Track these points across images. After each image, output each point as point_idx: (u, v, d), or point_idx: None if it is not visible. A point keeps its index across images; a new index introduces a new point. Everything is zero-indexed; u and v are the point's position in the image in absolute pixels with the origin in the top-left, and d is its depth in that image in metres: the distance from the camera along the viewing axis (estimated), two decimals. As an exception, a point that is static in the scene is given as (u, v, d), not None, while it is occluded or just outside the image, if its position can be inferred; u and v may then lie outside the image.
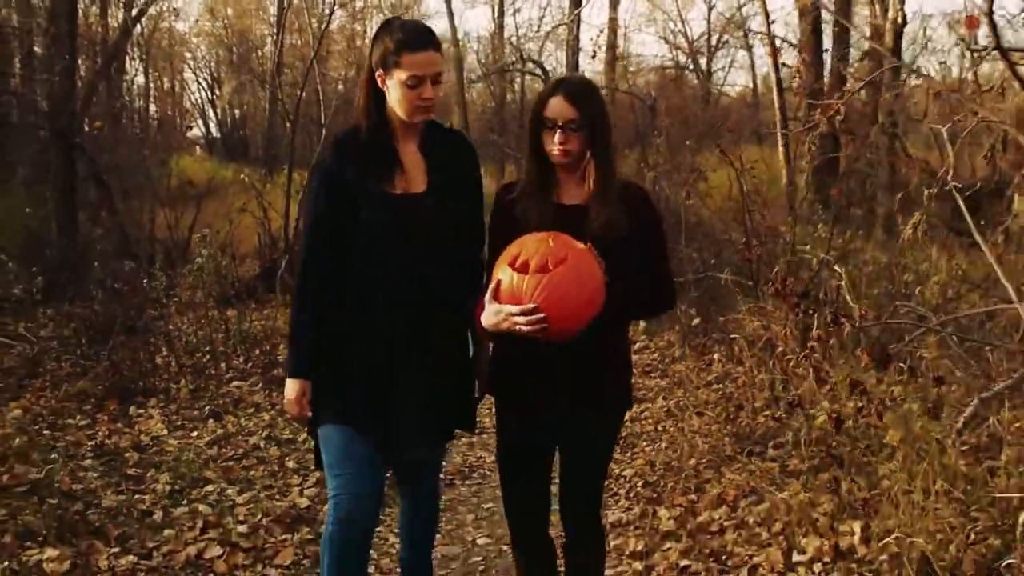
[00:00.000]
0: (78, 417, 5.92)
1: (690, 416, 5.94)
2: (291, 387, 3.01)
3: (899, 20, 11.15)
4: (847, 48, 12.75)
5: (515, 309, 2.63)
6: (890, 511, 4.08)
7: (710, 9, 23.62)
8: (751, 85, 26.05)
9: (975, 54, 2.42)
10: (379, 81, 2.91)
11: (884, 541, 3.89)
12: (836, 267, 4.95)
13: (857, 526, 4.11)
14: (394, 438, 2.98)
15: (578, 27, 17.02)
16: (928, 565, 3.62)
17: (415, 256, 2.92)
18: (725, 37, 24.00)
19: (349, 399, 2.96)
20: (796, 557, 4.09)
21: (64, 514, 4.32)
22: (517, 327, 2.64)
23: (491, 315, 2.71)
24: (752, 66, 24.90)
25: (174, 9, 20.76)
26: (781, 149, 12.78)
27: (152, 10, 18.29)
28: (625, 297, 2.80)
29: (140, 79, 21.87)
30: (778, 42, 14.12)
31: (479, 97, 21.85)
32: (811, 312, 2.81)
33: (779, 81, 13.41)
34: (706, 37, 25.28)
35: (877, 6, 11.99)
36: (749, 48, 22.56)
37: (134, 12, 17.35)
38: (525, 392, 2.94)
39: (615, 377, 3.01)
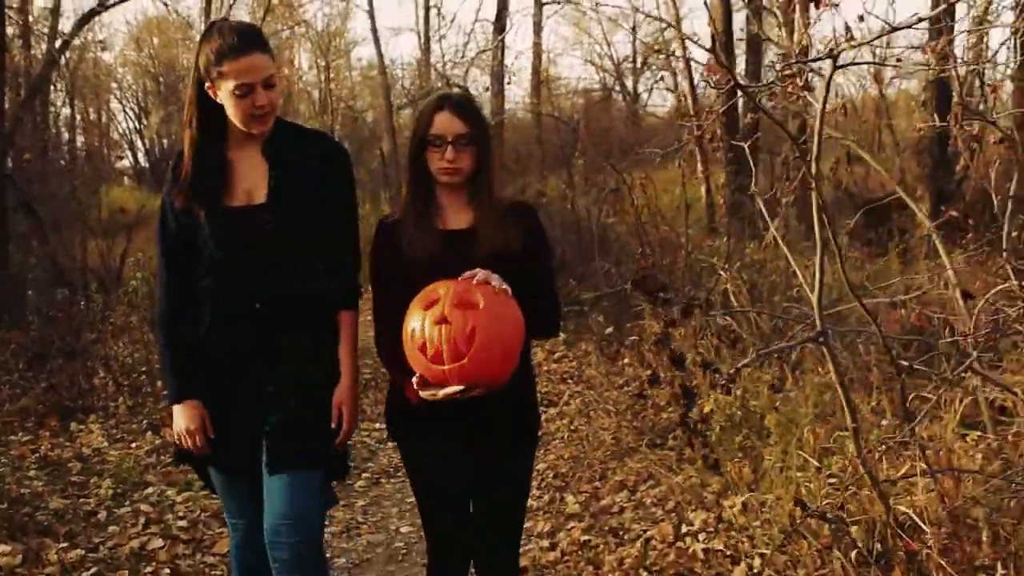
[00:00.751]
0: (20, 434, 6.30)
1: (598, 416, 6.52)
2: (183, 416, 2.85)
3: (803, 43, 11.94)
4: (758, 71, 13.52)
5: (450, 390, 2.57)
6: (768, 485, 4.69)
7: (634, 33, 24.45)
8: (677, 105, 26.88)
9: (718, 89, 2.96)
10: (211, 94, 2.74)
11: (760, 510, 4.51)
12: (722, 272, 5.58)
13: (739, 500, 4.70)
14: (233, 457, 2.86)
15: (502, 53, 17.69)
16: (792, 524, 4.20)
17: (261, 269, 2.77)
18: (649, 60, 24.85)
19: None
20: (684, 529, 4.67)
21: (13, 515, 4.74)
22: (459, 397, 2.59)
23: (427, 397, 2.63)
24: (676, 87, 25.76)
25: (99, 42, 20.97)
26: (700, 167, 13.55)
27: (76, 41, 18.62)
28: (534, 316, 2.74)
29: (66, 111, 22.03)
30: (695, 66, 14.84)
31: (407, 123, 22.40)
32: (667, 304, 3.31)
33: (695, 103, 14.18)
34: (631, 59, 26.16)
35: (783, 29, 12.80)
36: (673, 71, 23.37)
37: (58, 44, 17.68)
38: (462, 441, 2.82)
39: (531, 404, 2.97)
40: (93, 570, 4.38)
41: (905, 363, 3.04)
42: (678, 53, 14.95)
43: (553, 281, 3.02)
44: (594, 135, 15.93)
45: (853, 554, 3.42)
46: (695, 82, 14.73)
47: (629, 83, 26.62)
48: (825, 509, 3.02)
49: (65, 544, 4.59)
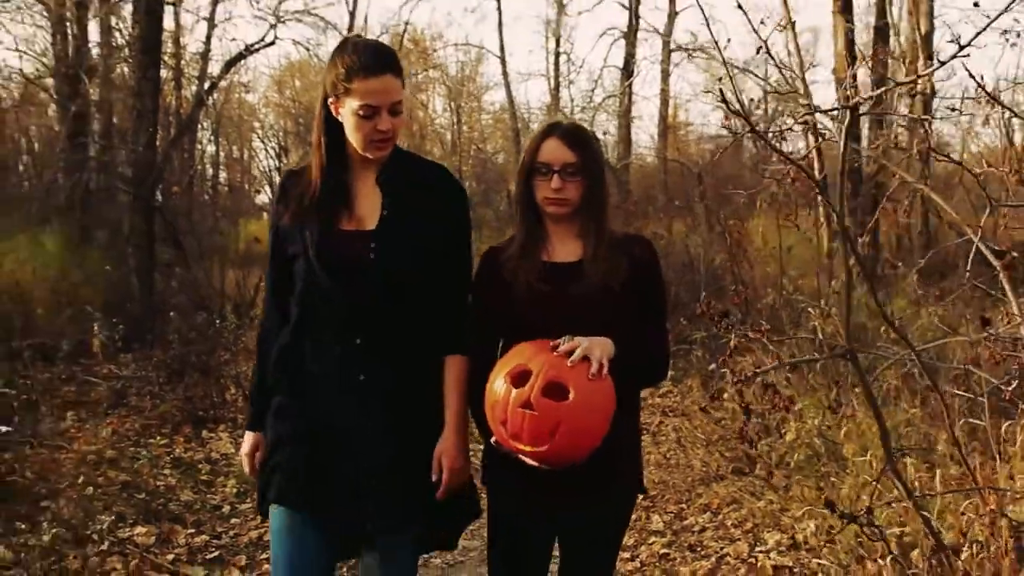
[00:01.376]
0: (158, 437, 7.03)
1: (695, 447, 6.88)
2: (244, 440, 2.90)
3: (928, 90, 12.11)
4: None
5: (529, 462, 2.52)
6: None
7: (766, 79, 24.66)
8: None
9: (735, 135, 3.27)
10: (332, 109, 2.66)
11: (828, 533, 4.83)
12: (811, 310, 5.92)
13: (812, 524, 5.02)
14: (337, 513, 2.66)
15: (629, 98, 18.24)
16: (860, 546, 4.50)
17: (361, 300, 2.65)
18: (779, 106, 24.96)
19: (283, 468, 2.69)
20: (758, 548, 5.02)
21: (149, 503, 5.43)
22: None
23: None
24: (805, 131, 25.69)
25: (244, 84, 22.38)
26: (821, 211, 13.77)
27: (223, 83, 20.01)
28: (633, 358, 2.62)
29: (211, 148, 23.48)
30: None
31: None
32: (729, 329, 3.67)
33: (819, 149, 14.39)
34: (763, 103, 26.28)
35: (905, 74, 13.01)
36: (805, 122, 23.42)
37: (207, 85, 19.04)
38: (527, 486, 2.67)
39: (626, 457, 2.79)
40: (216, 553, 5.02)
41: (936, 387, 3.37)
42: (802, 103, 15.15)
43: (663, 325, 2.83)
44: (719, 181, 16.22)
45: (888, 560, 3.72)
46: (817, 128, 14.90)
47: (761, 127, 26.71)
48: (859, 514, 3.34)
49: (192, 530, 5.26)
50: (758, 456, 5.30)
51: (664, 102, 19.91)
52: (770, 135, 3.37)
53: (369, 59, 2.57)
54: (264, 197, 28.37)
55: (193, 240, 11.70)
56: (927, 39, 13.55)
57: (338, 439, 2.65)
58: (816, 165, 14.08)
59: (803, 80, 12.69)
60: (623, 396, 2.58)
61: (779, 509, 5.36)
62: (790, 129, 3.85)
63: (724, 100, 2.86)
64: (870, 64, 14.52)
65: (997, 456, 4.11)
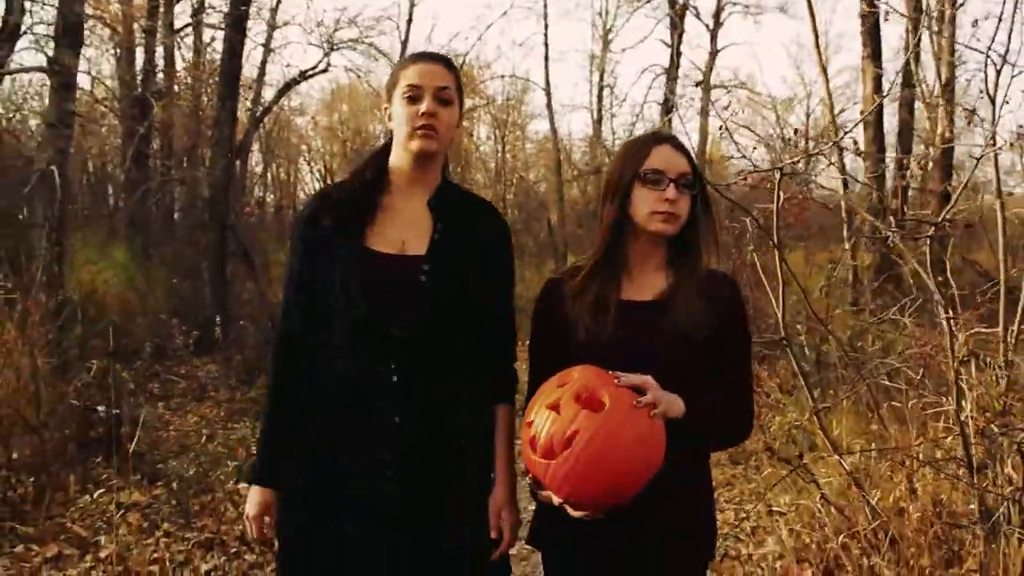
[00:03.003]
0: (241, 423, 8.61)
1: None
2: (255, 499, 2.63)
3: (946, 135, 13.55)
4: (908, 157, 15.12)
5: (554, 500, 2.26)
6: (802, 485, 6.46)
7: (808, 115, 26.11)
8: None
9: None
10: (387, 117, 2.63)
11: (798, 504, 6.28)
12: (798, 327, 7.41)
13: (786, 498, 6.47)
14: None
15: (668, 132, 19.64)
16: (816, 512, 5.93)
17: (406, 332, 2.49)
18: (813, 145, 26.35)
19: (310, 531, 2.54)
20: (742, 515, 6.48)
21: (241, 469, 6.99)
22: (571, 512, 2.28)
23: (542, 496, 2.33)
24: (843, 170, 27.05)
25: (295, 108, 24.01)
26: (849, 250, 15.18)
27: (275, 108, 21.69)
28: (705, 427, 2.36)
29: (258, 170, 25.19)
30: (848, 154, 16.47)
31: (576, 197, 24.54)
32: None
33: (845, 187, 15.87)
34: (803, 140, 27.71)
35: (928, 122, 14.46)
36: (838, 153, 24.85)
37: (260, 110, 20.73)
38: (578, 543, 2.48)
39: (700, 514, 2.56)
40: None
41: (861, 374, 4.82)
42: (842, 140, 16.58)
43: (746, 376, 2.54)
44: (760, 214, 17.44)
45: (819, 499, 5.17)
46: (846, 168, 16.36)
47: (801, 164, 28.10)
48: (792, 459, 4.78)
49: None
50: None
51: (703, 137, 21.35)
52: (730, 185, 4.80)
53: (418, 53, 2.64)
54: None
55: (258, 257, 13.34)
56: (948, 86, 14.92)
57: (369, 499, 2.52)
58: (843, 203, 15.61)
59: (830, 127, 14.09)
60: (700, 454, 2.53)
61: (763, 489, 6.80)
62: (734, 182, 5.26)
63: (703, 179, 4.25)
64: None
65: (911, 427, 5.54)
